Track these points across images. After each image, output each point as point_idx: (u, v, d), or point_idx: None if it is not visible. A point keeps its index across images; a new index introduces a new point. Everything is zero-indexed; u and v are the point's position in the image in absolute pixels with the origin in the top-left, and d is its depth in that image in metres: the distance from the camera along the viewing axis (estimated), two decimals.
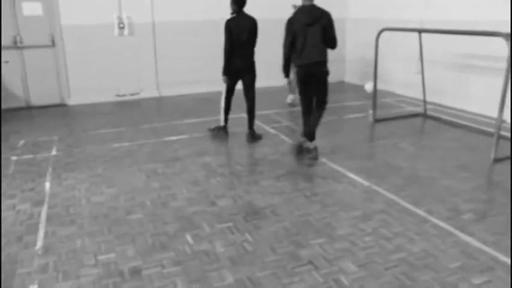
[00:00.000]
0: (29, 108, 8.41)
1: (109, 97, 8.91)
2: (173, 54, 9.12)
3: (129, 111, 7.99)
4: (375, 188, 4.46)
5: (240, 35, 5.68)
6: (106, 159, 5.38)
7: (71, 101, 8.65)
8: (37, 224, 3.79)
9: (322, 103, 5.25)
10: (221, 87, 6.06)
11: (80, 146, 5.95)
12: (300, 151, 5.31)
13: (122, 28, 8.70)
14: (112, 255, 3.28)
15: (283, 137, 6.20)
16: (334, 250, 3.32)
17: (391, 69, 8.90)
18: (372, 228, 3.65)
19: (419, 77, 7.21)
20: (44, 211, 4.04)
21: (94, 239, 3.53)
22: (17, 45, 8.27)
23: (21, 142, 6.17)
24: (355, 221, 3.78)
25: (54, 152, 5.71)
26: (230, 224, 3.73)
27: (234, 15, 5.78)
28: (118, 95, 8.98)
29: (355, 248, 3.35)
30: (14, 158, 5.53)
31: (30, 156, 5.60)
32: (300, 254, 3.27)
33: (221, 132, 6.28)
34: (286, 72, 5.22)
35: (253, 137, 6.07)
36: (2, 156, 5.60)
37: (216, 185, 4.56)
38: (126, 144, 5.98)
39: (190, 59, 9.21)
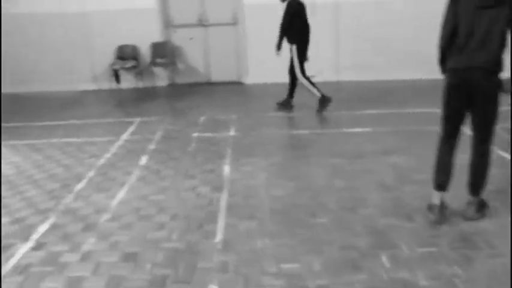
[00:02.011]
0: (209, 84, 8.65)
1: (284, 78, 8.67)
2: (358, 36, 8.44)
3: (304, 95, 7.63)
4: None
5: (303, 15, 6.40)
6: (285, 147, 5.09)
7: (248, 80, 8.66)
8: (216, 213, 3.61)
9: (480, 137, 3.32)
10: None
11: (258, 128, 5.78)
12: (441, 212, 3.42)
13: None
14: (296, 265, 2.89)
15: None
16: None
17: None
18: None
19: None
20: (223, 198, 3.86)
21: (275, 240, 3.19)
22: (202, 23, 8.51)
23: (202, 118, 6.25)
24: None
25: (232, 133, 5.62)
26: (433, 249, 3.05)
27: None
28: None
29: None
30: (195, 134, 5.58)
31: (209, 134, 5.59)
32: None
33: (327, 102, 6.38)
34: (444, 70, 3.42)
35: None
36: (184, 131, 5.72)
37: (411, 194, 3.86)
38: (304, 132, 5.63)
39: (375, 42, 8.43)
